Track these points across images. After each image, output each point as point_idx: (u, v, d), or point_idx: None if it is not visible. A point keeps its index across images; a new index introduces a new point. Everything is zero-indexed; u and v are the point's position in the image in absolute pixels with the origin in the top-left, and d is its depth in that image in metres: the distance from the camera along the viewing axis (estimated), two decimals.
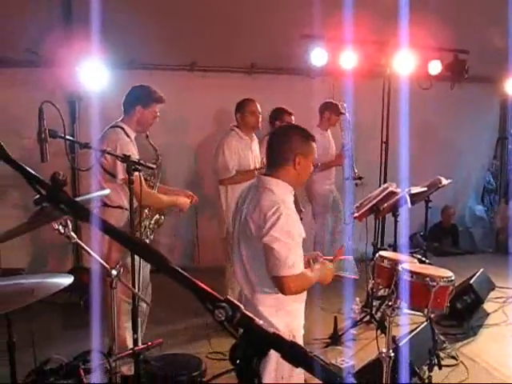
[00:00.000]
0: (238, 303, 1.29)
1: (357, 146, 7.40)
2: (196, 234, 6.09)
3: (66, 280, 2.87)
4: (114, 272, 3.12)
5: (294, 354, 1.29)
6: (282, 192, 3.27)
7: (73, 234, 3.01)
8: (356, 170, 7.07)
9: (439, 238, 9.50)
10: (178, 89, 7.24)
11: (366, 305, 6.42)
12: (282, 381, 3.18)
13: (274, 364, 3.08)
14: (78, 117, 7.62)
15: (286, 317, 3.29)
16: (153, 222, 4.88)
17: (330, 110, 7.53)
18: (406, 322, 5.66)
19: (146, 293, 5.00)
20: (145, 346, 3.13)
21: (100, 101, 6.58)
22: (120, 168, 4.45)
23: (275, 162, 3.36)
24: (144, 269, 4.85)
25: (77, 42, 6.37)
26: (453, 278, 4.33)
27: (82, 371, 2.62)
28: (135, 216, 4.48)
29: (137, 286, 4.14)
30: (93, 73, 6.75)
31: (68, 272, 7.21)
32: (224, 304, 1.26)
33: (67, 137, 3.24)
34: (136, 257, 4.52)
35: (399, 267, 4.32)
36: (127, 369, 4.16)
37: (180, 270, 1.34)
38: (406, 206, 6.21)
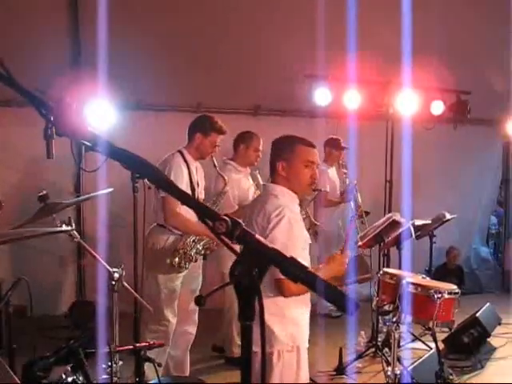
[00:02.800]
0: (239, 220, 1.29)
1: (360, 186, 7.43)
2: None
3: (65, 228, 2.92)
4: (117, 275, 3.11)
5: (294, 270, 1.30)
6: (286, 199, 3.32)
7: (75, 232, 3.03)
8: (361, 206, 7.11)
9: (444, 278, 9.36)
10: (184, 129, 7.27)
11: (371, 340, 6.32)
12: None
13: (278, 374, 3.12)
14: (83, 156, 7.65)
15: (291, 326, 3.24)
16: (200, 247, 4.90)
17: (330, 146, 7.57)
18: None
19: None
20: (146, 344, 3.11)
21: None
22: None
23: (271, 170, 3.48)
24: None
25: (85, 83, 6.48)
26: (457, 291, 4.30)
27: (81, 352, 2.58)
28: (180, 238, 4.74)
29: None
30: (100, 113, 6.77)
31: (69, 307, 7.14)
32: (225, 217, 1.27)
33: None
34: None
35: (403, 281, 4.29)
36: None
37: (182, 190, 1.36)
38: (410, 243, 6.21)
